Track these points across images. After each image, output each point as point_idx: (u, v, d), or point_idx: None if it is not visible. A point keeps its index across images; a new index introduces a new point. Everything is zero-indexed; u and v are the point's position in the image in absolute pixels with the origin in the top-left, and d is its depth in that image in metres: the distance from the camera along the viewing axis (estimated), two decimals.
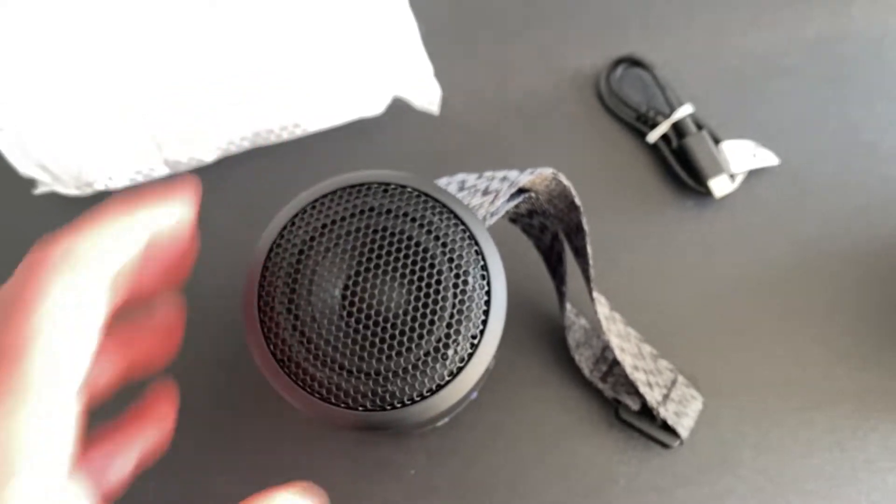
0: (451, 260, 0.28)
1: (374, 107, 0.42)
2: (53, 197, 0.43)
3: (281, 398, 0.28)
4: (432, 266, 0.28)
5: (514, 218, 0.38)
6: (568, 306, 0.39)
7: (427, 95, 0.42)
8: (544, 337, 0.41)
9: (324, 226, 0.29)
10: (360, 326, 0.28)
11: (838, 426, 0.40)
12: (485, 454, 0.40)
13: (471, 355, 0.28)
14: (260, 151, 0.44)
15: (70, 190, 0.43)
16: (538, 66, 0.46)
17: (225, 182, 0.44)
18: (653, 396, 0.37)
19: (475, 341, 0.28)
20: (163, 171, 0.43)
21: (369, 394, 0.27)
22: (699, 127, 0.43)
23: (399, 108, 0.44)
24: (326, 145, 0.44)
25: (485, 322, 0.29)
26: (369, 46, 0.41)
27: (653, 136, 0.43)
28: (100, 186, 0.42)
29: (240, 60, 0.41)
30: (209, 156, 0.43)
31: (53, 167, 0.42)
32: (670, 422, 0.37)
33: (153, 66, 0.41)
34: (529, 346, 0.41)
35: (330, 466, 0.39)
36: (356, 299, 0.28)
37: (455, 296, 0.28)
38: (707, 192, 0.42)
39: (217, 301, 0.41)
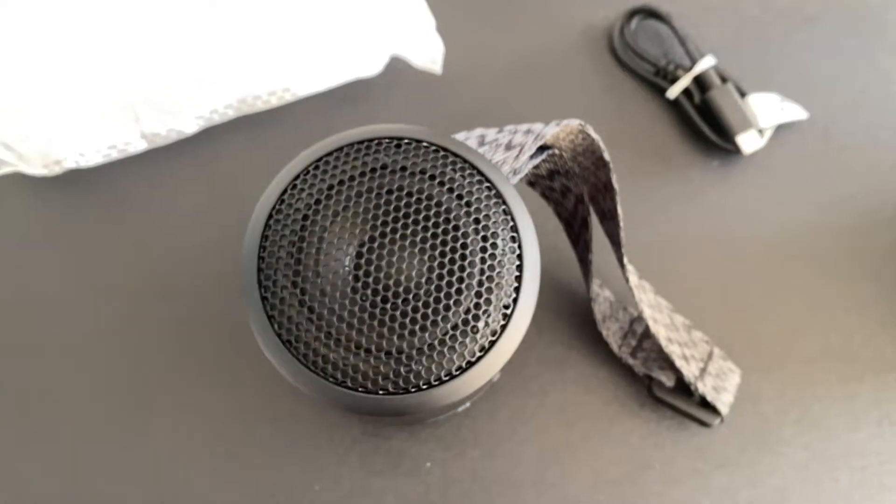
0: (476, 221, 0.25)
1: (371, 66, 0.39)
2: (18, 178, 0.39)
3: (290, 386, 0.25)
4: (456, 228, 0.25)
5: (532, 181, 0.34)
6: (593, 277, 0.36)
7: (428, 53, 0.39)
8: (565, 312, 0.38)
9: (330, 187, 0.25)
10: (378, 299, 0.24)
11: (884, 398, 0.37)
12: (507, 443, 0.36)
13: (504, 327, 0.25)
14: (247, 120, 0.40)
15: (37, 170, 0.38)
16: (546, 21, 0.43)
17: (210, 155, 0.40)
18: (689, 371, 0.34)
19: (508, 311, 0.25)
20: (140, 145, 0.39)
21: (391, 375, 0.24)
22: (723, 80, 0.39)
23: (397, 69, 0.40)
24: (319, 111, 0.40)
25: (517, 290, 0.25)
26: (365, 1, 0.38)
27: (673, 92, 0.40)
28: (70, 164, 0.38)
29: (222, 21, 0.37)
30: (191, 127, 0.39)
31: (19, 146, 0.37)
32: (709, 398, 0.34)
33: (126, 29, 0.37)
34: (551, 322, 0.38)
35: (337, 461, 0.36)
36: (371, 268, 0.24)
37: (483, 261, 0.25)
38: (735, 150, 0.39)
39: (208, 286, 0.37)
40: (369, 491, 0.36)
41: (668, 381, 0.35)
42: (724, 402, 0.35)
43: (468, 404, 0.32)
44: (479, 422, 0.37)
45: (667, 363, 0.35)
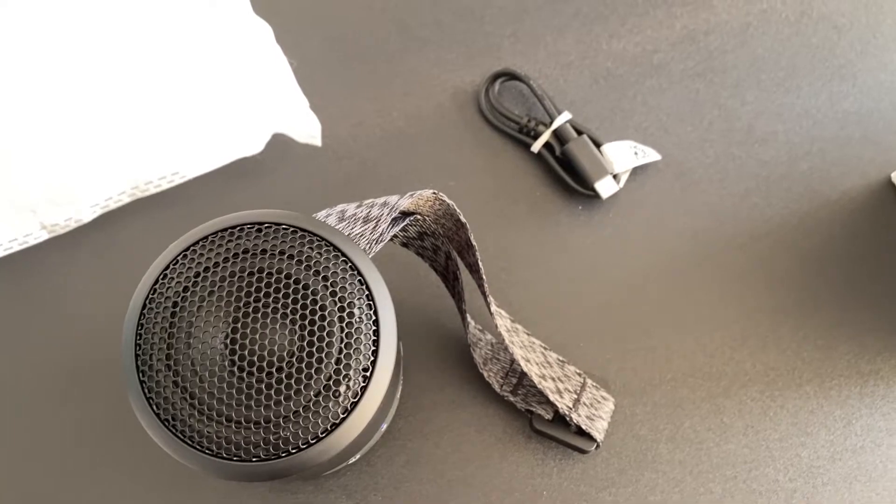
0: (333, 293, 0.28)
1: (254, 145, 0.42)
2: None
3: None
4: (315, 302, 0.28)
5: (405, 242, 0.37)
6: (472, 323, 0.39)
7: (307, 129, 0.42)
8: (454, 358, 0.41)
9: (197, 274, 0.28)
10: (245, 374, 0.27)
11: (748, 409, 0.40)
12: (406, 485, 0.39)
13: (364, 388, 0.27)
14: (141, 204, 0.42)
15: None
16: (417, 89, 0.46)
17: (108, 240, 0.42)
18: (563, 403, 0.37)
19: (367, 373, 0.28)
20: (41, 236, 0.41)
21: (261, 443, 0.26)
22: (579, 132, 0.43)
23: (281, 145, 0.43)
24: (209, 190, 0.43)
25: (375, 353, 0.28)
26: (241, 86, 0.41)
27: (536, 146, 0.43)
28: None
29: (110, 110, 0.40)
30: (88, 215, 0.41)
31: None
32: (584, 426, 0.37)
33: (19, 126, 0.39)
34: (440, 368, 0.41)
35: None
36: (237, 347, 0.27)
37: (342, 329, 0.27)
38: (594, 195, 0.43)
39: (114, 369, 0.39)
40: None
41: (546, 414, 0.38)
42: (598, 429, 0.38)
43: (358, 456, 0.34)
44: (378, 467, 0.39)
45: (544, 398, 0.38)
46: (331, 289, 0.28)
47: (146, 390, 0.27)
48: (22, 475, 0.39)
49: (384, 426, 0.35)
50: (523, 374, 0.39)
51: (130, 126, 0.40)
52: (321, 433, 0.27)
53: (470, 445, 0.40)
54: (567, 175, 0.43)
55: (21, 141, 0.39)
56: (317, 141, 0.42)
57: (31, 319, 0.41)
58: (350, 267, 0.29)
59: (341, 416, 0.27)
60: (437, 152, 0.45)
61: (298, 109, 0.41)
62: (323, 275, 0.28)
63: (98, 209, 0.41)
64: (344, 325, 0.27)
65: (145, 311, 0.28)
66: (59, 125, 0.39)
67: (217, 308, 0.27)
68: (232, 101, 0.40)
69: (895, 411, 0.40)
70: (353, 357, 0.27)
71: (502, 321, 0.38)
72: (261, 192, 0.43)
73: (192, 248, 0.29)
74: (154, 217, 0.43)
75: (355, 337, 0.27)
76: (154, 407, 0.27)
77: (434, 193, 0.33)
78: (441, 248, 0.36)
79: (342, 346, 0.27)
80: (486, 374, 0.39)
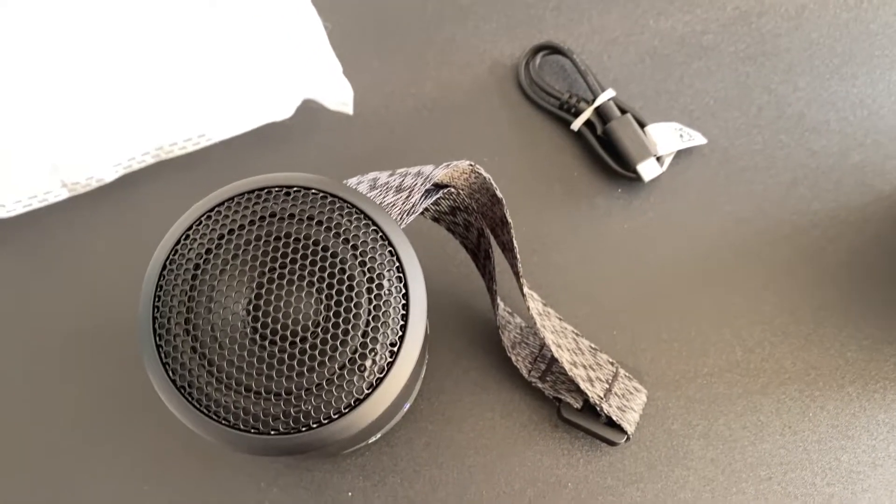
0: (363, 263, 0.26)
1: (283, 110, 0.40)
2: None
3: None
4: (343, 272, 0.26)
5: (436, 217, 0.36)
6: (501, 305, 0.37)
7: (339, 95, 0.40)
8: (481, 340, 0.39)
9: (220, 236, 0.27)
10: (267, 343, 0.25)
11: (786, 408, 0.39)
12: (426, 469, 0.37)
13: (391, 364, 0.26)
14: (164, 165, 0.41)
15: None
16: (455, 60, 0.44)
17: (129, 201, 0.41)
18: (594, 392, 0.36)
19: (394, 349, 0.26)
20: (61, 194, 0.40)
21: (281, 415, 0.25)
22: (623, 111, 0.41)
23: (312, 111, 0.42)
24: (235, 154, 0.41)
25: (404, 328, 0.27)
26: (272, 48, 0.39)
27: (577, 124, 0.42)
28: None
29: (137, 69, 0.38)
30: (110, 174, 0.40)
31: None
32: (614, 417, 0.36)
33: (44, 81, 0.38)
34: (465, 350, 0.39)
35: (260, 495, 0.37)
36: (261, 314, 0.25)
37: (370, 301, 0.26)
38: (636, 178, 0.41)
39: (127, 335, 0.38)
40: None
41: (575, 403, 0.36)
42: (629, 420, 0.36)
43: (378, 435, 0.33)
44: (398, 449, 0.38)
45: (574, 386, 0.37)
46: (360, 258, 0.26)
47: (162, 355, 0.26)
48: (31, 438, 0.38)
49: (407, 406, 0.34)
50: (553, 360, 0.38)
51: (156, 85, 0.39)
52: (344, 408, 0.25)
53: (493, 431, 0.38)
54: (608, 155, 0.41)
55: (43, 97, 0.38)
56: (348, 108, 0.41)
57: (48, 277, 0.40)
58: (381, 237, 0.27)
59: (366, 391, 0.26)
60: (471, 127, 0.43)
61: (331, 74, 0.40)
62: (352, 243, 0.26)
63: (121, 169, 0.40)
64: (372, 296, 0.26)
65: (165, 272, 0.27)
66: (82, 81, 0.38)
67: (240, 272, 0.26)
68: (263, 62, 0.39)
69: None
70: (381, 331, 0.26)
71: (534, 304, 0.36)
72: (287, 160, 0.42)
73: (216, 208, 0.27)
74: (177, 180, 0.41)
75: (384, 310, 0.26)
76: (170, 373, 0.26)
77: (471, 165, 0.31)
78: (474, 224, 0.35)
79: (370, 318, 0.26)
80: (513, 359, 0.37)
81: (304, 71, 0.39)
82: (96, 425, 0.38)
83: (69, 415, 0.38)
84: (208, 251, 0.26)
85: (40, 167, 0.39)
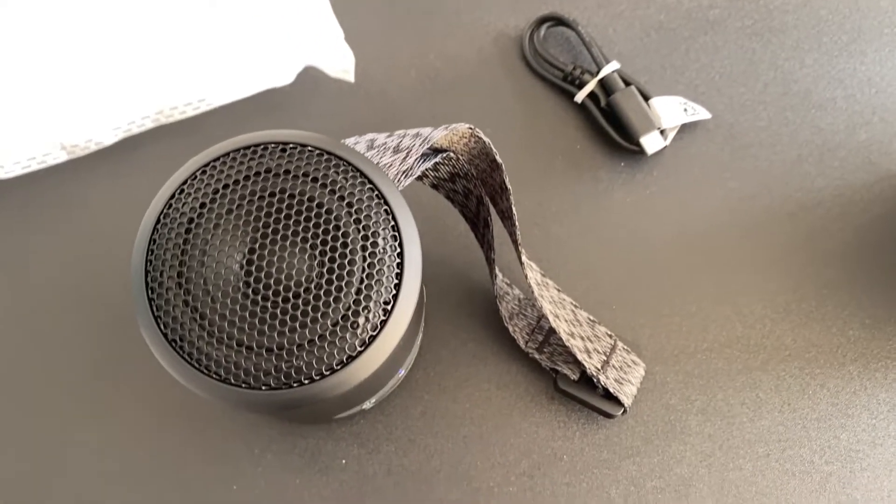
0: (357, 221, 0.26)
1: (284, 76, 0.40)
2: None
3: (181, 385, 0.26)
4: (337, 228, 0.26)
5: (435, 184, 0.35)
6: (499, 276, 0.37)
7: (340, 62, 0.40)
8: (478, 310, 0.39)
9: (215, 191, 0.26)
10: (260, 298, 0.25)
11: (785, 385, 0.38)
12: (421, 438, 0.37)
13: (384, 322, 0.26)
14: (164, 130, 0.41)
15: None
16: (458, 30, 0.44)
17: (128, 164, 0.41)
18: (591, 364, 0.35)
19: (388, 307, 0.26)
20: (60, 156, 0.40)
21: (272, 371, 0.25)
22: (627, 84, 0.41)
23: (313, 78, 0.41)
24: (234, 120, 0.41)
25: (398, 286, 0.26)
26: (274, 12, 0.39)
27: (580, 96, 0.41)
28: None
29: (138, 33, 0.38)
30: (109, 137, 0.40)
31: None
32: (612, 389, 0.35)
33: (44, 41, 0.37)
34: (463, 320, 0.39)
35: (254, 461, 0.37)
36: (254, 269, 0.25)
37: (364, 259, 0.26)
38: (639, 151, 0.40)
39: (126, 294, 0.38)
40: (285, 489, 0.36)
41: (572, 374, 0.36)
42: (627, 393, 0.36)
43: (373, 400, 0.33)
44: (393, 418, 0.37)
45: (571, 357, 0.36)
46: (355, 216, 0.26)
47: (154, 308, 0.25)
48: (25, 397, 0.38)
49: (402, 372, 0.33)
50: (550, 332, 0.37)
51: (157, 49, 0.38)
52: (336, 365, 0.25)
53: (489, 402, 0.38)
54: (611, 128, 0.41)
55: (43, 57, 0.37)
56: (350, 76, 0.40)
57: (45, 238, 0.40)
58: (376, 195, 0.27)
59: (358, 348, 0.25)
60: (474, 98, 0.43)
61: (333, 41, 0.39)
62: (347, 201, 0.26)
63: (120, 132, 0.40)
64: (367, 254, 0.26)
65: (159, 226, 0.26)
66: (82, 44, 0.38)
67: (234, 227, 0.26)
68: (264, 27, 0.38)
69: None
70: (375, 289, 0.26)
71: (532, 273, 0.36)
72: (287, 126, 0.41)
73: (211, 163, 0.27)
74: (176, 144, 0.41)
75: (378, 268, 0.26)
76: (162, 326, 0.25)
77: (470, 129, 0.31)
78: (473, 191, 0.34)
79: (364, 276, 0.26)
80: (511, 329, 0.37)
81: (305, 36, 0.39)
82: (88, 383, 0.38)
83: (65, 376, 0.38)
84: (203, 205, 0.26)
85: (38, 129, 0.38)
